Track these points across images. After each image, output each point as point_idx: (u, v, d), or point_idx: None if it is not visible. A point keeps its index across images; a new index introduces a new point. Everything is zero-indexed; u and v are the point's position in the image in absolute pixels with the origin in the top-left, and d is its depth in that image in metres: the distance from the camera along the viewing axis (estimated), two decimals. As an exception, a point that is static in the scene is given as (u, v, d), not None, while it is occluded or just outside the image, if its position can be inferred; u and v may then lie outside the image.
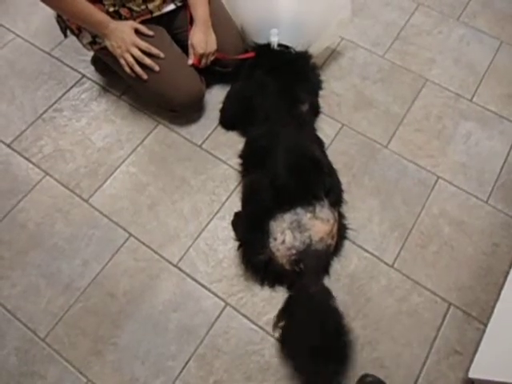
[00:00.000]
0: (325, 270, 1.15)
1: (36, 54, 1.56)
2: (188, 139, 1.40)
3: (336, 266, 1.20)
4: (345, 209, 1.25)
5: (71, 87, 1.49)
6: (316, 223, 1.06)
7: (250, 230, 1.11)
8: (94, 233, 1.25)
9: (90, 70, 1.52)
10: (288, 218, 1.07)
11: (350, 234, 1.23)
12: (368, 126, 1.42)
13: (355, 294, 1.17)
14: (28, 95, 1.47)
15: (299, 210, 1.07)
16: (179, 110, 1.38)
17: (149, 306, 1.16)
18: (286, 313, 1.03)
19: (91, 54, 1.47)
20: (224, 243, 1.23)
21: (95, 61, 1.49)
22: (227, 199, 1.30)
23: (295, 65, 1.28)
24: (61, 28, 1.32)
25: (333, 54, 1.56)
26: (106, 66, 1.39)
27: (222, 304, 1.16)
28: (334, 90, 1.48)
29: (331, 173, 1.15)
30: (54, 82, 1.50)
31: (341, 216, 1.19)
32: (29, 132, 1.41)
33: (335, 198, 1.11)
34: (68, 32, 1.32)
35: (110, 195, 1.31)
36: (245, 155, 1.24)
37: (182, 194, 1.31)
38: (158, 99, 1.36)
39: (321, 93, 1.42)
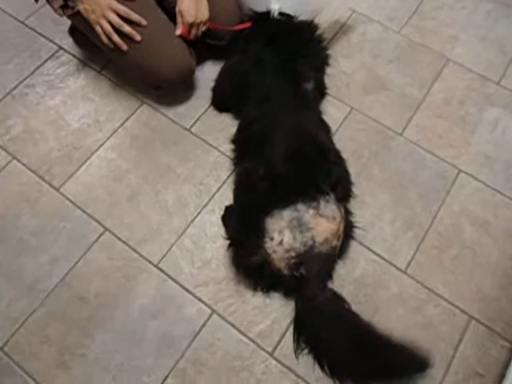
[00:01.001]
0: (328, 274, 0.99)
1: (8, 22, 1.39)
2: (175, 121, 1.23)
3: (340, 270, 1.04)
4: (352, 204, 1.09)
5: (46, 60, 1.32)
6: (320, 221, 0.90)
7: (243, 227, 0.95)
8: (65, 226, 1.10)
9: (67, 42, 1.35)
10: (287, 214, 0.91)
11: (357, 233, 1.07)
12: (380, 111, 1.25)
13: (361, 303, 1.01)
14: (-3, 68, 1.30)
15: (300, 206, 0.91)
16: (165, 88, 1.22)
17: (124, 311, 1.00)
18: (304, 336, 0.90)
19: (69, 23, 1.30)
20: (212, 241, 1.07)
21: (73, 31, 1.32)
22: (217, 190, 1.14)
23: (298, 36, 1.11)
24: (31, -10, 1.15)
25: (342, 29, 1.38)
26: (86, 36, 1.21)
27: (208, 311, 1.00)
28: (343, 68, 1.31)
29: (338, 162, 0.98)
30: (27, 55, 1.33)
31: (347, 212, 1.03)
32: (-5, 110, 1.25)
33: (343, 191, 0.95)
34: (40, -4, 1.15)
35: (84, 183, 1.15)
36: (238, 140, 1.08)
37: (167, 183, 1.15)
38: (140, 74, 1.19)
39: (327, 71, 1.24)
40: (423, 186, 1.15)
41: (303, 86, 1.06)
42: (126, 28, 1.07)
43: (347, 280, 1.04)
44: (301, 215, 0.90)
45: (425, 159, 1.19)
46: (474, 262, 1.06)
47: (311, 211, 0.90)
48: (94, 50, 1.26)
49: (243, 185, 0.97)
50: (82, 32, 1.20)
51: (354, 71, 1.31)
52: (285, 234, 0.90)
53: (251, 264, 0.94)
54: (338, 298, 0.89)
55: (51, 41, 1.35)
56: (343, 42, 1.35)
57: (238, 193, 1.00)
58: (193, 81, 1.27)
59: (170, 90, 1.24)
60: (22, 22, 1.38)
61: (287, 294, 1.00)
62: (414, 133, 1.22)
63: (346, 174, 1.00)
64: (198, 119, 1.24)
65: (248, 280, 1.00)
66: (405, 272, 1.05)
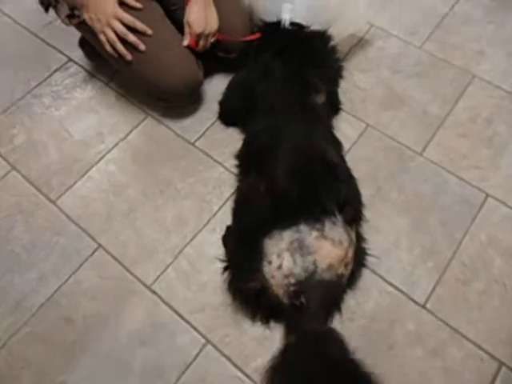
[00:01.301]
0: (335, 305, 0.89)
1: (21, 34, 1.39)
2: (179, 135, 1.18)
3: (350, 301, 0.94)
4: (365, 229, 0.99)
5: (54, 71, 1.30)
6: (324, 245, 0.81)
7: (240, 248, 0.87)
8: (58, 240, 1.04)
9: (78, 54, 1.33)
10: (288, 236, 0.82)
11: (370, 261, 0.97)
12: (399, 128, 1.16)
13: (373, 340, 0.90)
14: (6, 78, 1.29)
15: (303, 227, 0.82)
16: (171, 100, 1.17)
17: (111, 336, 0.92)
18: (281, 366, 0.77)
19: (80, 35, 1.28)
20: (211, 262, 0.99)
21: (83, 42, 1.30)
22: (220, 208, 1.06)
23: (310, 46, 1.04)
24: (40, 1, 1.13)
25: (359, 43, 1.31)
26: (95, 48, 1.19)
27: (202, 341, 0.91)
28: (359, 83, 1.23)
29: (348, 181, 0.89)
30: (37, 66, 1.31)
31: (359, 238, 0.93)
32: (1, 119, 1.22)
33: (352, 213, 0.86)
34: (50, 8, 1.14)
35: (81, 197, 1.10)
36: (243, 154, 1.01)
37: (167, 199, 1.08)
38: (145, 85, 1.15)
39: (342, 85, 1.17)
40: (445, 211, 1.04)
41: (313, 98, 0.99)
42: (131, 37, 1.03)
43: (358, 313, 0.93)
44: (303, 237, 0.81)
45: (447, 182, 1.08)
46: (503, 298, 0.94)
47: (314, 233, 0.81)
48: (103, 62, 1.23)
49: (243, 202, 0.90)
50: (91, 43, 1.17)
51: (371, 86, 1.23)
52: (284, 257, 0.81)
53: (248, 290, 0.85)
54: (336, 339, 0.78)
55: (61, 52, 1.34)
56: (360, 56, 1.28)
57: (237, 210, 0.92)
58: (200, 93, 1.21)
59: (176, 102, 1.19)
60: (35, 34, 1.38)
61: (288, 326, 0.90)
62: (435, 153, 1.12)
63: (356, 194, 0.91)
64: (203, 133, 1.18)
65: (246, 308, 0.91)
66: (423, 306, 0.94)
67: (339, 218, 0.83)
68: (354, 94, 1.21)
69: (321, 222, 0.81)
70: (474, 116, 1.17)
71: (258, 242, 0.84)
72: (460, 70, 1.25)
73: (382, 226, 1.02)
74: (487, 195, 1.06)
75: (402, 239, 1.01)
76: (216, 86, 1.22)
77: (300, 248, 0.81)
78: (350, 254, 0.86)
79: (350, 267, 0.86)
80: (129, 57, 1.05)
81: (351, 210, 0.85)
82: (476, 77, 1.24)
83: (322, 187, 0.83)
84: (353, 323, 0.91)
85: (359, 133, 1.15)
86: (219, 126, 1.19)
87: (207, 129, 1.19)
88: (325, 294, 0.81)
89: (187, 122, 1.20)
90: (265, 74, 1.03)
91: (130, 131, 1.19)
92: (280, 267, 0.82)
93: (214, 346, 0.90)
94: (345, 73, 1.16)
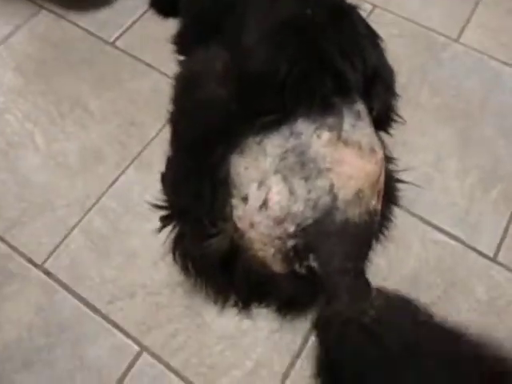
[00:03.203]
0: (360, 267, 0.52)
1: None
2: (91, 32, 0.77)
3: (379, 260, 0.57)
4: (391, 142, 0.62)
5: None
6: (345, 155, 0.43)
7: (187, 181, 0.48)
8: None
9: None
10: (274, 144, 0.44)
11: (404, 195, 0.60)
12: (419, 7, 0.79)
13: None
14: None
15: (301, 125, 0.43)
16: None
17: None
18: None
19: None
20: (144, 217, 0.59)
21: None
22: (157, 134, 0.66)
23: None
24: None
25: None
26: None
27: (133, 349, 0.52)
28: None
29: (375, 45, 0.51)
30: None
31: (385, 157, 0.56)
32: None
33: (384, 101, 0.48)
34: None
35: None
36: (183, 27, 0.61)
37: (72, 127, 0.68)
38: None
39: None
40: (505, 115, 0.69)
41: None
42: None
43: (391, 278, 0.57)
44: (303, 143, 0.43)
45: (501, 75, 0.73)
46: None
47: (325, 134, 0.42)
48: None
49: (186, 96, 0.50)
50: None
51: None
52: (271, 185, 0.43)
53: (207, 254, 0.46)
54: (401, 305, 0.41)
55: None
56: None
57: (176, 115, 0.53)
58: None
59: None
60: None
61: (285, 310, 0.52)
62: (477, 37, 0.76)
63: (387, 68, 0.53)
64: (128, 28, 0.77)
65: (206, 287, 0.52)
66: (493, 259, 0.58)
67: (364, 108, 0.45)
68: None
69: (334, 113, 0.43)
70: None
71: (220, 163, 0.45)
72: None
73: (416, 141, 0.66)
74: (561, 89, 0.71)
75: (448, 160, 0.65)
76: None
77: (301, 165, 0.42)
78: (383, 175, 0.48)
79: (380, 198, 0.49)
80: None
81: (383, 96, 0.47)
82: None
83: (330, 47, 0.44)
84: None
85: (364, 15, 0.77)
86: (152, 17, 0.78)
87: (134, 22, 0.78)
88: (351, 249, 0.43)
89: (102, 14, 0.79)
90: None
91: (13, 32, 0.76)
92: (265, 205, 0.43)
93: (152, 355, 0.52)
94: None
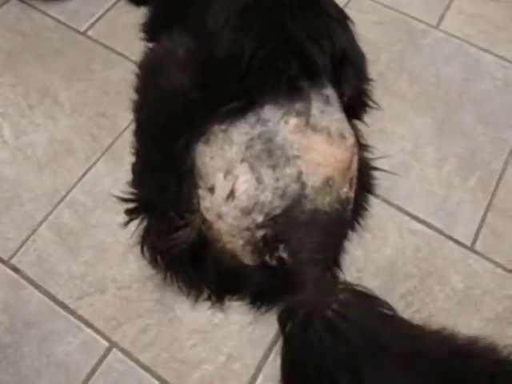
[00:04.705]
0: (332, 258, 0.51)
1: None
2: (61, 22, 0.74)
3: (355, 251, 0.56)
4: (368, 130, 0.61)
5: None
6: (313, 142, 0.41)
7: (150, 172, 0.46)
8: None
9: None
10: (241, 131, 0.42)
11: (380, 184, 0.59)
12: (399, -6, 0.78)
13: (399, 310, 0.53)
14: None
15: (268, 112, 0.42)
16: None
17: None
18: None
19: None
20: (114, 211, 0.57)
21: None
22: (128, 126, 0.64)
23: None
24: None
25: None
26: None
27: (103, 345, 0.51)
28: None
29: (343, 24, 0.50)
30: None
31: (360, 144, 0.55)
32: None
33: (355, 84, 0.46)
34: None
35: None
36: (153, 15, 0.59)
37: (41, 118, 0.66)
38: None
39: None
40: (484, 103, 0.68)
41: None
42: None
43: (367, 268, 0.56)
44: (271, 130, 0.41)
45: (480, 62, 0.72)
46: None
47: (293, 120, 0.41)
48: None
49: (148, 86, 0.48)
50: None
51: None
52: (239, 174, 0.42)
53: (174, 247, 0.45)
54: (366, 301, 0.41)
55: None
56: None
57: (139, 103, 0.51)
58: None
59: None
60: None
61: (257, 303, 0.51)
62: (457, 24, 0.75)
63: (358, 51, 0.51)
64: (100, 17, 0.75)
65: (176, 280, 0.51)
66: (470, 248, 0.58)
67: (334, 93, 0.44)
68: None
69: (302, 98, 0.41)
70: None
71: (185, 153, 0.44)
72: None
73: (393, 130, 0.65)
74: (541, 77, 0.70)
75: (426, 148, 0.64)
76: None
77: (268, 153, 0.41)
78: (355, 162, 0.47)
79: (354, 187, 0.48)
80: None
81: (354, 79, 0.45)
82: None
83: (297, 28, 0.42)
84: (362, 284, 0.54)
85: (343, 2, 0.75)
86: (124, 5, 0.76)
87: (106, 11, 0.76)
88: (321, 239, 0.42)
89: (73, 3, 0.77)
90: None
91: (-21, 21, 0.74)
92: (232, 195, 0.42)
93: (123, 351, 0.50)
94: None
